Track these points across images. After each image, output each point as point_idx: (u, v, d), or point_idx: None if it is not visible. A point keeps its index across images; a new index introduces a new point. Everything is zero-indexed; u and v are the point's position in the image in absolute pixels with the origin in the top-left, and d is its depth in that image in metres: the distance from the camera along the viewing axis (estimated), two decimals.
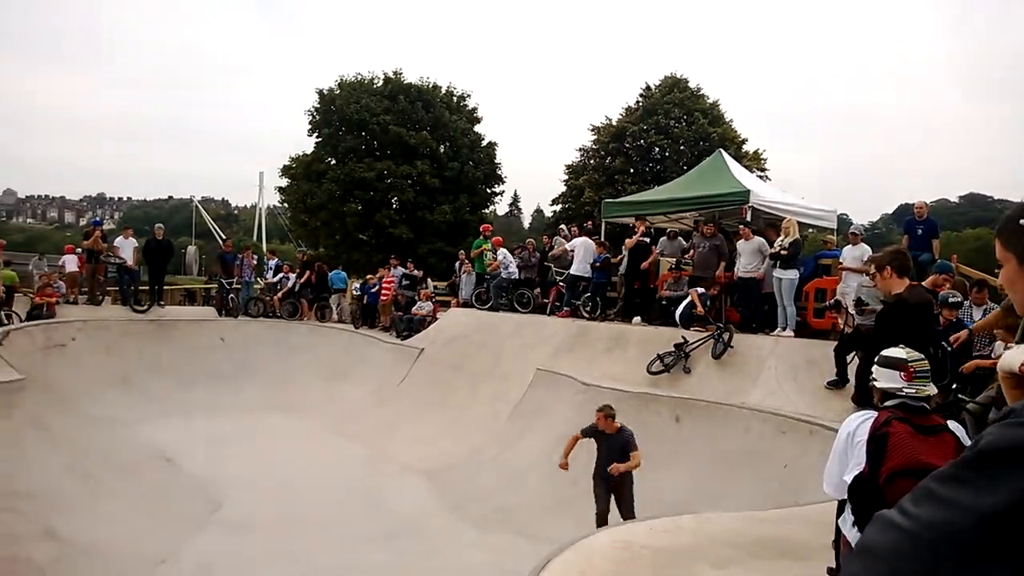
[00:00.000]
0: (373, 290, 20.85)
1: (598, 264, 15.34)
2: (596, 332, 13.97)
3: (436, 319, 19.09)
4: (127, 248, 18.94)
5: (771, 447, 9.28)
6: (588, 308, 15.24)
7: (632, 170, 41.90)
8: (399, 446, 14.05)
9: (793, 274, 12.07)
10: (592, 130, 44.93)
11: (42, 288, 17.89)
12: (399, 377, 17.10)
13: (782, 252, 12.08)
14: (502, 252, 18.37)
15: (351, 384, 18.03)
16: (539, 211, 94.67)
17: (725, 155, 17.20)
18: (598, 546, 5.45)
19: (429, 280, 23.35)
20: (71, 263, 19.76)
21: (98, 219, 27.16)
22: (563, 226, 20.99)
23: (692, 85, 43.12)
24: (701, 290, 12.86)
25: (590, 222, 20.36)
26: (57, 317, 16.88)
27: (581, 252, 15.77)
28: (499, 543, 8.99)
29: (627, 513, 8.28)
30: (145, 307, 18.78)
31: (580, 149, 45.64)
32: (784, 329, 12.00)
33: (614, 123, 43.85)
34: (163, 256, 20.14)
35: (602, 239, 16.62)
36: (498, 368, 15.03)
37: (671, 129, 41.45)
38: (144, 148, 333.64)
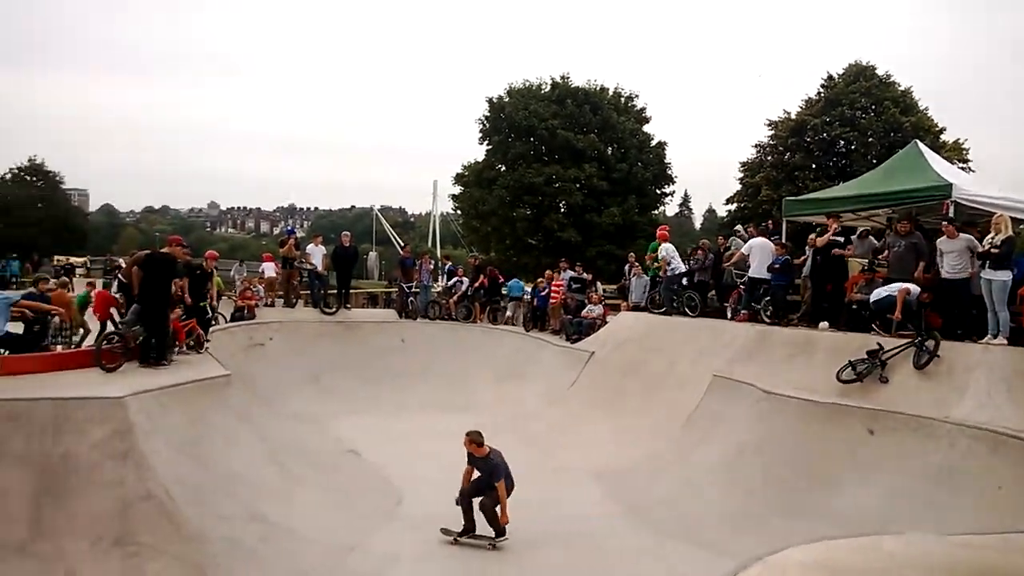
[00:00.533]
0: (542, 293, 21.08)
1: (777, 266, 14.58)
2: (778, 337, 13.26)
3: (606, 323, 18.98)
4: (317, 255, 20.36)
5: (982, 466, 8.38)
6: (768, 312, 14.53)
7: (814, 165, 39.86)
8: (571, 449, 14.07)
9: (1006, 275, 10.85)
10: (769, 125, 43.24)
11: (243, 292, 19.59)
12: (569, 380, 17.16)
13: (992, 251, 10.90)
14: (665, 247, 17.61)
15: (523, 386, 18.31)
16: (711, 211, 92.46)
17: (922, 146, 15.85)
18: (790, 564, 5.13)
19: (598, 283, 23.27)
20: (270, 269, 21.57)
21: (292, 228, 29.46)
22: (739, 226, 20.20)
23: (880, 72, 40.27)
24: (916, 289, 11.72)
25: (769, 222, 19.48)
26: (256, 319, 18.41)
27: (759, 254, 15.06)
28: (678, 553, 8.74)
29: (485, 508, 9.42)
30: (333, 310, 20.06)
31: (756, 145, 44.12)
32: (996, 336, 10.81)
33: (793, 116, 41.84)
34: (350, 262, 21.41)
35: (783, 239, 15.82)
36: (672, 373, 14.69)
37: (857, 120, 38.92)
38: (328, 161, 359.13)
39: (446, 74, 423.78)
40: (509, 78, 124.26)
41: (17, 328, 11.07)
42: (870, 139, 38.61)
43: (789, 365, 12.23)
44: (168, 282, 11.55)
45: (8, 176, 70.15)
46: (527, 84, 47.31)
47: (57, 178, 73.36)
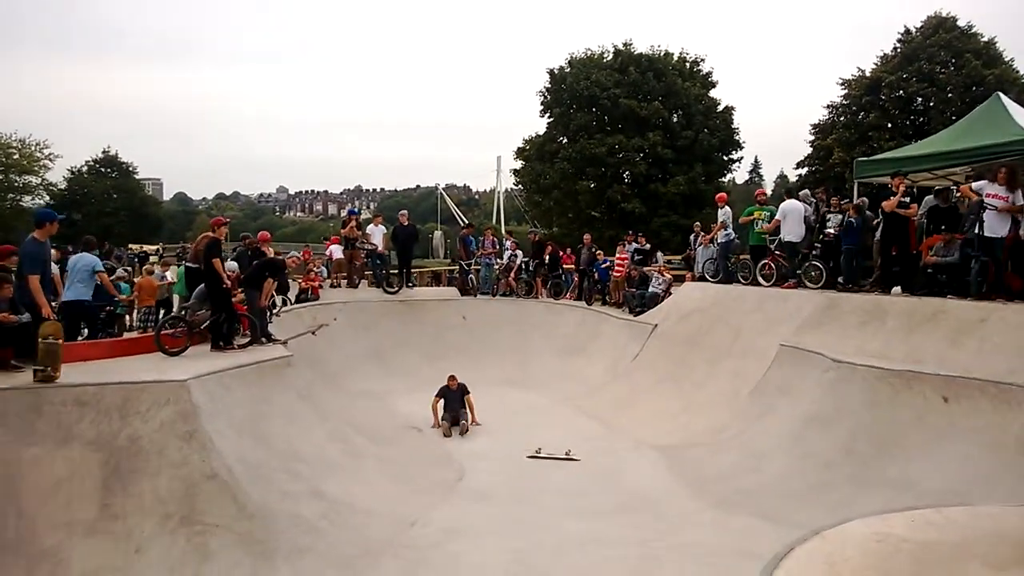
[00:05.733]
0: (603, 266, 20.82)
1: (832, 231, 14.18)
2: (848, 304, 12.70)
3: (670, 294, 18.64)
4: (377, 235, 20.63)
5: None
6: (810, 276, 14.32)
7: (889, 124, 38.21)
8: (634, 422, 13.92)
9: None
10: (842, 84, 41.55)
11: (306, 275, 19.92)
12: (632, 353, 16.94)
13: None
14: (723, 211, 17.72)
15: (586, 360, 18.20)
16: (783, 176, 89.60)
17: (1005, 99, 14.80)
18: (850, 536, 4.93)
19: (660, 254, 22.86)
20: (336, 252, 21.89)
21: (354, 209, 29.99)
22: (806, 191, 19.49)
23: (961, 23, 38.13)
24: None
25: (806, 189, 19.03)
26: (321, 300, 18.74)
27: (790, 217, 14.94)
28: (741, 525, 8.52)
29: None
30: (395, 289, 20.28)
31: (828, 106, 42.46)
32: None
33: (868, 74, 40.06)
34: (409, 240, 21.54)
35: (853, 201, 15.18)
36: (737, 344, 14.31)
37: (936, 75, 37.05)
38: (393, 143, 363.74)
39: (507, 48, 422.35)
40: (570, 48, 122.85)
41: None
42: (949, 95, 36.70)
43: (860, 332, 11.72)
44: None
45: (84, 168, 72.82)
46: (588, 53, 46.63)
47: (131, 168, 75.84)
